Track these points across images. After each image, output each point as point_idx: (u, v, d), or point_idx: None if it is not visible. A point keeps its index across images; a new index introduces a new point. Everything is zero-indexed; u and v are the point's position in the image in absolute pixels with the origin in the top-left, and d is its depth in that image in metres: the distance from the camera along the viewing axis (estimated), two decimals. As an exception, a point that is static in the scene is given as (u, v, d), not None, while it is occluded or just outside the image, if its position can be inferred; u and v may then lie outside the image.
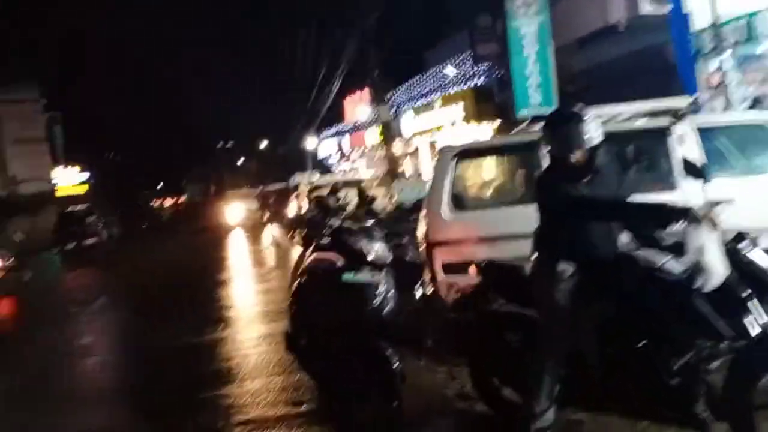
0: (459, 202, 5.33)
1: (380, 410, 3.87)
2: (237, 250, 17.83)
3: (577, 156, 3.19)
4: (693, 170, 4.81)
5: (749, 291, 2.86)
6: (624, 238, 3.36)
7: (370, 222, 7.86)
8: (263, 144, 46.58)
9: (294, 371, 5.04)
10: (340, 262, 4.22)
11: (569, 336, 3.29)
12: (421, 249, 5.52)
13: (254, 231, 22.19)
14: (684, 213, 2.89)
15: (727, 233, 2.98)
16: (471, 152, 5.58)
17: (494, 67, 14.42)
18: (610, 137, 3.38)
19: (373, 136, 23.03)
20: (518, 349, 3.63)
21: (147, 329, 7.83)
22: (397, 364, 3.82)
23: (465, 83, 16.15)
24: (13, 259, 12.94)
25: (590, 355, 3.27)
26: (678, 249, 3.03)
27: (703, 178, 4.75)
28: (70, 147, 35.53)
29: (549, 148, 3.37)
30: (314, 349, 4.13)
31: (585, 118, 3.19)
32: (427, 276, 5.44)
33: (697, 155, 4.91)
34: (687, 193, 4.74)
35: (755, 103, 9.06)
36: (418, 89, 19.93)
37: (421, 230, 5.52)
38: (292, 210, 16.78)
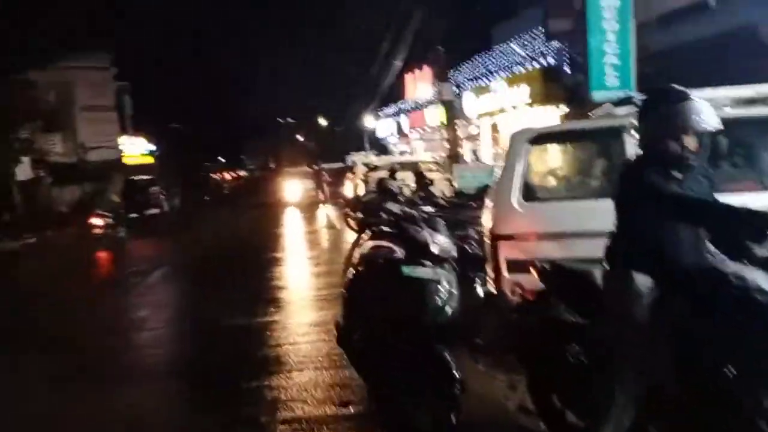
0: (531, 192, 4.84)
1: (436, 419, 3.58)
2: (292, 229, 17.81)
3: (685, 143, 2.73)
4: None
5: None
6: (710, 248, 2.87)
7: (427, 207, 7.54)
8: (322, 122, 46.68)
9: (343, 366, 4.76)
10: (399, 252, 3.93)
11: (646, 361, 2.83)
12: (485, 242, 5.09)
13: (310, 210, 22.25)
14: None
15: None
16: (547, 136, 5.05)
17: (566, 46, 13.59)
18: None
19: (433, 116, 22.42)
20: (582, 366, 3.20)
21: (200, 306, 7.83)
22: (456, 370, 3.55)
23: (532, 63, 15.36)
24: (111, 219, 14.74)
25: (668, 385, 2.81)
26: None
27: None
28: (138, 118, 36.51)
29: (642, 134, 2.89)
30: (367, 346, 3.86)
31: (694, 97, 2.72)
32: (490, 272, 5.02)
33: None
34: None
35: None
36: (482, 68, 19.15)
37: (486, 221, 5.08)
38: (348, 191, 16.58)
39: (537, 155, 4.99)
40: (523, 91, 15.20)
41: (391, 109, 30.92)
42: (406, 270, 3.68)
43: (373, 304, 3.81)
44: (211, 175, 50.29)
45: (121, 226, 15.55)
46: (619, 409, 2.86)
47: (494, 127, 19.19)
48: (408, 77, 27.34)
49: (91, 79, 29.40)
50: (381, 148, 29.93)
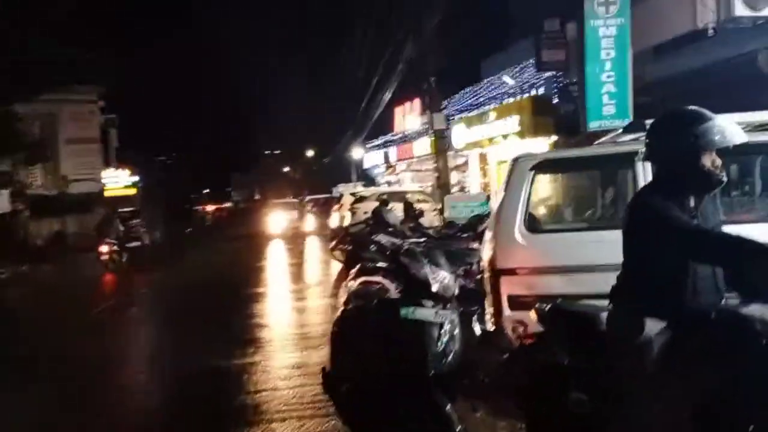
0: (534, 223, 4.46)
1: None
2: (275, 261, 17.35)
3: (713, 162, 2.47)
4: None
5: None
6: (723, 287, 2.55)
7: (419, 239, 7.14)
8: (309, 153, 46.58)
9: (330, 415, 4.28)
10: (392, 289, 3.50)
11: (660, 417, 2.46)
12: (485, 276, 4.66)
13: (295, 241, 21.79)
14: None
15: None
16: (552, 163, 4.67)
17: (557, 77, 13.41)
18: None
19: (422, 147, 22.30)
20: (584, 415, 2.78)
21: (174, 346, 7.33)
22: (458, 425, 3.14)
23: (523, 93, 15.19)
24: (116, 245, 16.00)
25: None
26: None
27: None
28: (123, 149, 36.10)
29: (658, 159, 2.64)
30: (357, 394, 3.39)
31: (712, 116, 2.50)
32: (489, 309, 4.59)
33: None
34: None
35: None
36: (472, 99, 19.04)
37: (485, 254, 4.66)
38: (334, 221, 16.22)
39: (541, 183, 4.63)
40: (513, 121, 15.02)
41: (379, 140, 30.90)
42: (405, 312, 3.25)
43: (366, 348, 3.36)
44: (194, 207, 49.92)
45: (125, 252, 16.56)
46: None
47: (482, 158, 19.00)
48: (398, 109, 27.36)
49: (77, 112, 29.07)
50: (368, 179, 29.71)
